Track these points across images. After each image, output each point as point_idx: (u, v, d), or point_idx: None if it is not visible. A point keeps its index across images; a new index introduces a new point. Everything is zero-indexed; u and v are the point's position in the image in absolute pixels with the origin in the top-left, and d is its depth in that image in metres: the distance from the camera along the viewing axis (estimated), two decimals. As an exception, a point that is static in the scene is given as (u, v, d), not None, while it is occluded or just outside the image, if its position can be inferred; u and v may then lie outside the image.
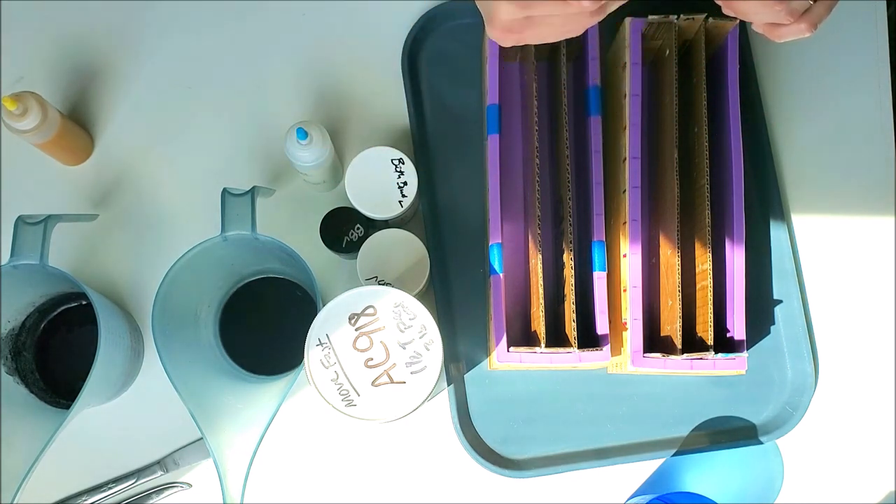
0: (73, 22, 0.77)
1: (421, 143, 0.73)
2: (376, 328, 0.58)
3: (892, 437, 0.72)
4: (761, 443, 0.70)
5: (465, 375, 0.71)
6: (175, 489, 0.71)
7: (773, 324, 0.72)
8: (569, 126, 0.66)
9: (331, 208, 0.70)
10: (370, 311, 0.58)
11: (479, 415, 0.71)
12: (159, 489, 0.71)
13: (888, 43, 0.77)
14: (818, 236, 0.74)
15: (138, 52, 0.76)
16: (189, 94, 0.76)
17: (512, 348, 0.63)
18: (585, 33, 0.67)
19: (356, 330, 0.58)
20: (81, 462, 0.71)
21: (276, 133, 0.74)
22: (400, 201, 0.67)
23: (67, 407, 0.65)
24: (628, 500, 0.71)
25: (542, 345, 0.62)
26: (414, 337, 0.58)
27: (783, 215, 0.73)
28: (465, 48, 0.74)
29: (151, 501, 0.71)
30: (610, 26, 0.69)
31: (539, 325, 0.63)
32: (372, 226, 0.70)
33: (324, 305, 0.58)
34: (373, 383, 0.57)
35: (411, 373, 0.57)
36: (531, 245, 0.67)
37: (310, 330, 0.58)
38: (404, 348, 0.58)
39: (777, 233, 0.72)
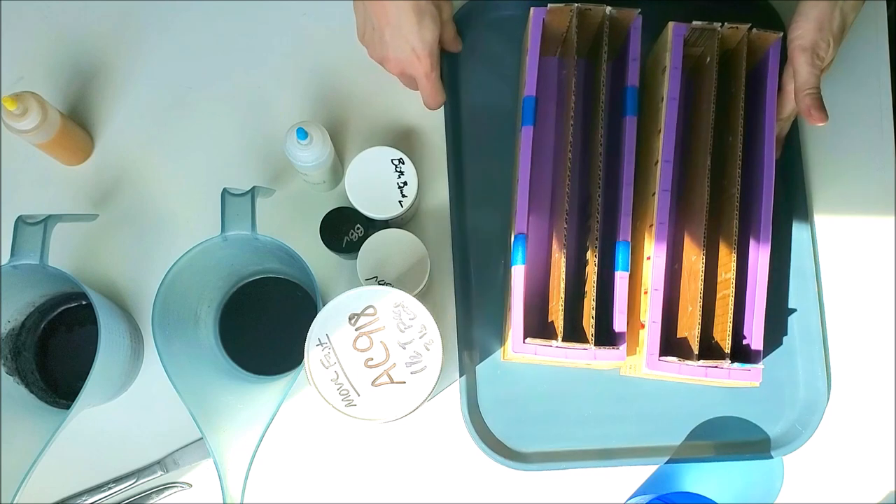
0: (73, 22, 0.77)
1: (453, 130, 0.73)
2: (376, 328, 0.58)
3: (893, 437, 0.72)
4: (771, 457, 0.69)
5: (476, 366, 0.71)
6: (175, 489, 0.71)
7: (786, 333, 0.72)
8: (603, 124, 0.66)
9: (331, 208, 0.70)
10: (370, 311, 0.58)
11: (488, 406, 0.71)
12: (159, 489, 0.71)
13: (888, 43, 0.77)
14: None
15: (138, 52, 0.76)
16: (189, 95, 0.76)
17: (528, 339, 0.63)
18: (628, 34, 0.67)
19: (356, 330, 0.58)
20: (81, 462, 0.71)
21: (276, 133, 0.74)
22: (400, 201, 0.67)
23: (67, 407, 0.65)
24: (628, 500, 0.71)
25: (560, 338, 0.62)
26: (414, 337, 0.58)
27: (809, 230, 0.73)
28: (504, 40, 0.75)
29: (151, 501, 0.71)
30: (651, 30, 0.69)
31: (558, 318, 0.63)
32: (372, 226, 0.70)
33: (324, 305, 0.58)
34: (373, 383, 0.57)
35: (411, 373, 0.57)
36: (556, 239, 0.67)
37: (310, 330, 0.58)
38: (404, 348, 0.58)
39: (800, 245, 0.72)
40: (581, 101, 0.71)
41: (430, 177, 0.74)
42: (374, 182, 0.67)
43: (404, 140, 0.75)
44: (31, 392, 0.70)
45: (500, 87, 0.75)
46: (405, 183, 0.67)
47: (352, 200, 0.67)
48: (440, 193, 0.74)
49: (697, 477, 0.71)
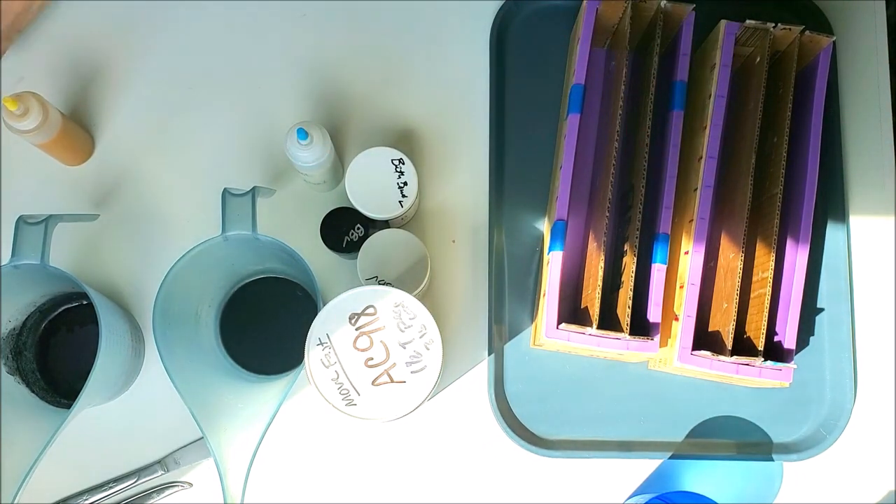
0: (73, 22, 0.77)
1: (497, 118, 0.74)
2: (376, 328, 0.58)
3: (892, 437, 0.72)
4: (797, 458, 0.69)
5: (505, 352, 0.71)
6: (176, 488, 0.71)
7: (813, 334, 0.72)
8: (650, 117, 0.66)
9: (331, 208, 0.70)
10: (370, 310, 0.58)
11: (513, 390, 0.71)
12: (160, 488, 0.71)
13: (888, 43, 0.77)
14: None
15: (139, 52, 0.76)
16: (190, 95, 0.76)
17: (562, 325, 0.63)
18: (680, 29, 0.68)
19: (356, 330, 0.58)
20: (81, 462, 0.71)
21: (277, 133, 0.74)
22: (400, 201, 0.67)
23: (68, 406, 0.65)
24: (628, 499, 0.71)
25: (594, 325, 0.62)
26: (414, 336, 0.58)
27: (845, 230, 0.73)
28: (547, 30, 0.76)
29: (152, 501, 0.71)
30: (701, 26, 0.69)
31: (593, 305, 0.63)
32: (372, 226, 0.70)
33: (324, 305, 0.58)
34: (373, 383, 0.57)
35: (411, 372, 0.57)
36: (595, 228, 0.67)
37: (310, 330, 0.58)
38: (404, 348, 0.58)
39: (835, 244, 0.72)
40: (628, 93, 0.71)
41: (430, 177, 0.74)
42: (374, 182, 0.67)
43: (404, 140, 0.75)
44: (32, 392, 0.70)
45: (542, 77, 0.75)
46: (405, 183, 0.67)
47: (352, 200, 0.67)
48: (440, 193, 0.74)
49: (696, 476, 0.71)
